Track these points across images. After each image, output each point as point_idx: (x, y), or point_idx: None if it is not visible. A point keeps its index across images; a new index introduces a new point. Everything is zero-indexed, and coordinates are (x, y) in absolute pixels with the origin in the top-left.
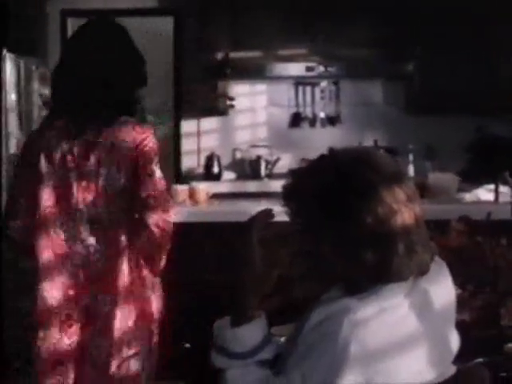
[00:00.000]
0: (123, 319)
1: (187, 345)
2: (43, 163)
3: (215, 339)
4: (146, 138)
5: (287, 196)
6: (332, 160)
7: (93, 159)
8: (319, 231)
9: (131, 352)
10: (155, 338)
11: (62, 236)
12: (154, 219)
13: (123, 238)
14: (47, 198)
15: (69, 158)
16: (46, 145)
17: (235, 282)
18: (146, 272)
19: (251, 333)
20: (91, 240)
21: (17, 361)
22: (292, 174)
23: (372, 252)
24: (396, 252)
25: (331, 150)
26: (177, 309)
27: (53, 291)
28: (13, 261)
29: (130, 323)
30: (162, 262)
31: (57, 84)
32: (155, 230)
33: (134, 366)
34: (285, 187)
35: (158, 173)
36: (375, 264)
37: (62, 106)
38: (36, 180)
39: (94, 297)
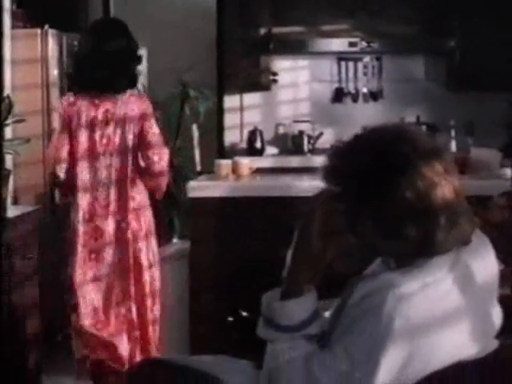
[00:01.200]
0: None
1: (244, 313)
2: (76, 125)
3: (263, 311)
4: (146, 105)
5: (327, 177)
6: (367, 138)
7: (111, 124)
8: (360, 210)
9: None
10: None
11: (90, 175)
12: (154, 152)
13: (129, 169)
14: (80, 151)
15: (94, 122)
16: (77, 111)
17: (291, 256)
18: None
19: (300, 307)
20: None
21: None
22: (329, 155)
23: (414, 227)
24: (438, 225)
25: (365, 129)
26: (229, 279)
27: (86, 203)
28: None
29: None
30: (162, 187)
31: (81, 65)
32: (155, 158)
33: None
34: (323, 169)
35: (154, 126)
36: (418, 239)
37: (88, 82)
38: (72, 137)
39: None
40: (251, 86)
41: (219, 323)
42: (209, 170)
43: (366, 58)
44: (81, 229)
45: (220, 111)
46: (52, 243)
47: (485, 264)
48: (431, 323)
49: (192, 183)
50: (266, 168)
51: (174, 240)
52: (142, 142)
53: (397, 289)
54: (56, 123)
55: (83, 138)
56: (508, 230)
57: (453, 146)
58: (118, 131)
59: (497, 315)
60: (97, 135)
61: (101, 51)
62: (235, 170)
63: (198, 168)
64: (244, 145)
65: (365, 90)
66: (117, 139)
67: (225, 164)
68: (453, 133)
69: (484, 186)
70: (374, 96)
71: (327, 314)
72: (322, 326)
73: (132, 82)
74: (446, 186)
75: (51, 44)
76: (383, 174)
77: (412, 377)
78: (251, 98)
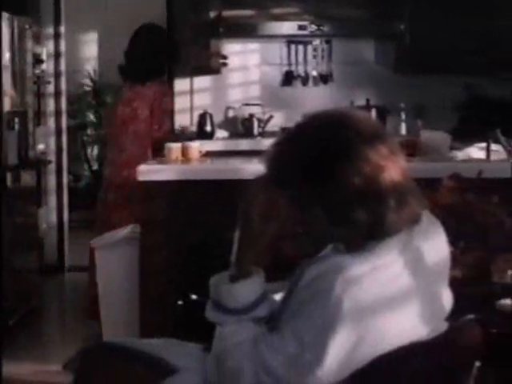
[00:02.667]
0: None
1: (194, 296)
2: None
3: (212, 294)
4: (159, 91)
5: (272, 168)
6: (310, 126)
7: (134, 105)
8: (308, 197)
9: None
10: None
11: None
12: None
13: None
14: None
15: (124, 105)
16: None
17: (234, 237)
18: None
19: (248, 289)
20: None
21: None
22: (273, 145)
23: (363, 211)
24: (387, 207)
25: (307, 116)
26: (179, 263)
27: None
28: None
29: None
30: None
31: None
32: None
33: None
34: (268, 160)
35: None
36: (368, 222)
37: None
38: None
39: None
40: (201, 69)
41: (169, 307)
42: (159, 154)
43: (316, 41)
44: None
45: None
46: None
47: (435, 246)
48: (380, 306)
49: (142, 167)
50: (216, 151)
51: None
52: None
53: (346, 271)
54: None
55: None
56: (457, 212)
57: (402, 128)
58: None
59: (447, 297)
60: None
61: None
62: (185, 153)
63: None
64: (194, 128)
65: (314, 73)
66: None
67: (175, 147)
68: (402, 116)
69: (433, 168)
70: (324, 79)
71: (277, 296)
72: (271, 308)
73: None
74: (392, 169)
75: (3, 27)
76: (328, 161)
77: (361, 359)
78: (201, 82)
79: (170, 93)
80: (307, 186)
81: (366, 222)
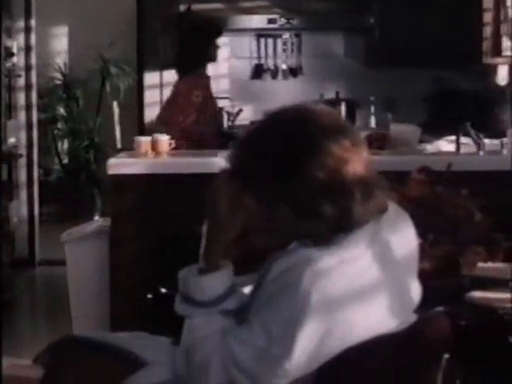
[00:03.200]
0: None
1: (163, 290)
2: None
3: (181, 287)
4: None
5: (236, 164)
6: (272, 122)
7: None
8: (273, 193)
9: None
10: None
11: None
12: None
13: None
14: None
15: None
16: None
17: (203, 231)
18: None
19: (216, 282)
20: None
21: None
22: (235, 145)
23: (329, 204)
24: (353, 200)
25: (269, 113)
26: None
27: None
28: None
29: None
30: None
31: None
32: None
33: None
34: (232, 156)
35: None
36: (335, 216)
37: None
38: None
39: None
40: (171, 62)
41: (139, 300)
42: (129, 147)
43: (286, 35)
44: None
45: (140, 88)
46: None
47: (404, 239)
48: (349, 299)
49: (112, 160)
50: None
51: (96, 217)
52: None
53: (314, 264)
54: None
55: None
56: (426, 205)
57: (372, 122)
58: None
59: (416, 290)
60: None
61: None
62: (155, 146)
63: (119, 145)
64: None
65: (284, 66)
66: None
67: (144, 141)
68: (372, 109)
69: (403, 161)
70: (294, 72)
71: (246, 289)
72: (240, 301)
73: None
74: (356, 161)
75: None
76: (291, 156)
77: (329, 351)
78: (171, 75)
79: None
80: (271, 181)
81: (333, 216)
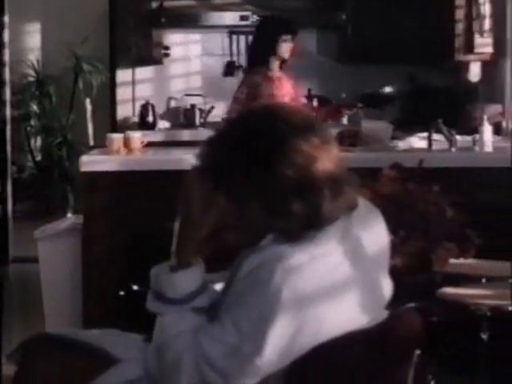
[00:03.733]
0: None
1: (135, 287)
2: None
3: (152, 284)
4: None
5: (207, 164)
6: (241, 122)
7: None
8: (244, 191)
9: None
10: None
11: None
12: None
13: None
14: None
15: None
16: None
17: (174, 228)
18: None
19: (188, 279)
20: None
21: None
22: (206, 143)
23: (300, 202)
24: (323, 197)
25: (239, 112)
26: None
27: None
28: None
29: None
30: None
31: None
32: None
33: None
34: (202, 158)
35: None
36: (305, 213)
37: None
38: None
39: None
40: (143, 59)
41: (111, 298)
42: (101, 145)
43: None
44: None
45: (112, 85)
46: None
47: (375, 235)
48: (320, 295)
49: (84, 157)
50: (158, 142)
51: (69, 215)
52: None
53: (285, 261)
54: None
55: None
56: (398, 202)
57: (344, 118)
58: None
59: (387, 286)
60: None
61: None
62: (127, 144)
63: (91, 142)
64: (136, 119)
65: None
66: None
67: (117, 138)
68: None
69: (375, 158)
70: None
71: (218, 286)
72: (211, 298)
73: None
74: (325, 158)
75: None
76: (260, 154)
77: (301, 348)
78: (143, 72)
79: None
80: (242, 179)
81: (303, 213)
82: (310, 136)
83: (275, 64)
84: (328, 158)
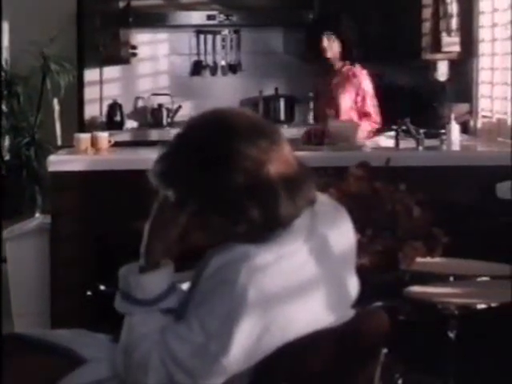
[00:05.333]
0: None
1: (103, 287)
2: None
3: (121, 284)
4: None
5: (162, 182)
6: (187, 135)
7: None
8: (200, 203)
9: None
10: None
11: None
12: None
13: None
14: None
15: None
16: None
17: (144, 228)
18: None
19: (156, 281)
20: None
21: None
22: (158, 160)
23: (256, 206)
24: (279, 198)
25: (186, 124)
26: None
27: None
28: None
29: None
30: None
31: None
32: None
33: None
34: (155, 175)
35: None
36: (263, 216)
37: None
38: None
39: None
40: (111, 59)
41: (79, 298)
42: (69, 144)
43: (225, 31)
44: None
45: (80, 85)
46: None
47: (341, 234)
48: (286, 294)
49: (52, 157)
50: (125, 141)
51: (36, 215)
52: None
53: (251, 260)
54: None
55: None
56: (364, 200)
57: (311, 117)
58: None
59: (353, 285)
60: None
61: None
62: (94, 143)
63: (59, 142)
64: (104, 118)
65: (223, 62)
66: None
67: (84, 138)
68: (311, 105)
69: (342, 157)
70: (233, 69)
71: (185, 286)
72: (179, 299)
73: None
74: (275, 160)
75: None
76: (211, 164)
77: (267, 347)
78: (111, 72)
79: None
80: (195, 192)
81: (262, 216)
82: (257, 139)
83: None
84: (279, 159)
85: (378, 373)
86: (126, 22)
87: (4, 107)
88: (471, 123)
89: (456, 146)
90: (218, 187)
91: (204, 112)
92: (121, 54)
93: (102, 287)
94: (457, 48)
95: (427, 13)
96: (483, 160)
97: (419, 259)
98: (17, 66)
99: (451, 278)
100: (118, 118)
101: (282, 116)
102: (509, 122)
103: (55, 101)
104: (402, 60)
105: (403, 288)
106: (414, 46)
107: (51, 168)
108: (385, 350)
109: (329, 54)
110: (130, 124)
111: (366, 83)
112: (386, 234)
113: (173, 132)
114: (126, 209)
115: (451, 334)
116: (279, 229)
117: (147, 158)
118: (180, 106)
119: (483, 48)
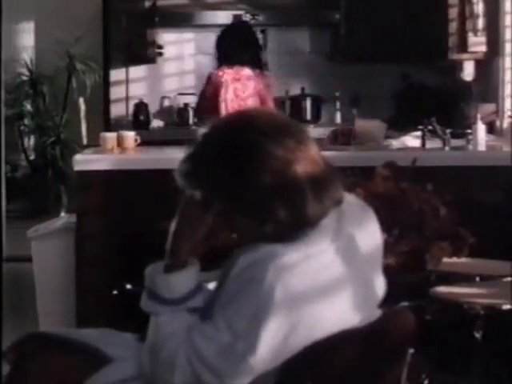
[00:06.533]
0: None
1: (129, 286)
2: None
3: (147, 284)
4: None
5: (188, 182)
6: (214, 135)
7: None
8: (228, 205)
9: None
10: None
11: None
12: None
13: None
14: None
15: None
16: None
17: (172, 229)
18: None
19: (183, 280)
20: None
21: None
22: (184, 160)
23: (283, 206)
24: (306, 198)
25: (211, 126)
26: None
27: None
28: None
29: None
30: None
31: None
32: None
33: None
34: (181, 174)
35: None
36: (291, 215)
37: None
38: None
39: None
40: (137, 58)
41: (105, 297)
42: (95, 144)
43: None
44: None
45: (106, 84)
46: None
47: (368, 234)
48: (313, 294)
49: (78, 157)
50: (151, 141)
51: (62, 214)
52: None
53: (279, 260)
54: None
55: None
56: (391, 200)
57: (337, 117)
58: None
59: (380, 285)
60: None
61: None
62: (121, 143)
63: (85, 141)
64: (130, 118)
65: None
66: None
67: (110, 137)
68: (338, 104)
69: (368, 157)
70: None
71: (211, 285)
72: (206, 298)
73: None
74: (302, 159)
75: None
76: (238, 165)
77: (294, 347)
78: (137, 71)
79: None
80: (222, 194)
81: (289, 216)
82: (284, 139)
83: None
84: (306, 159)
85: (404, 373)
86: (152, 21)
87: (29, 107)
88: (497, 123)
89: (482, 146)
90: (244, 187)
91: (229, 114)
92: (147, 54)
93: (128, 286)
94: (483, 48)
95: (453, 13)
96: (509, 160)
97: (445, 259)
98: (42, 65)
99: (477, 279)
100: (143, 117)
101: (309, 116)
102: None
103: (81, 100)
104: (428, 60)
105: (429, 288)
106: (440, 46)
107: (77, 167)
108: (411, 350)
109: None
110: (156, 123)
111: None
112: (413, 234)
113: (199, 131)
114: (151, 208)
115: (477, 335)
116: (306, 228)
117: (173, 157)
118: None
119: (509, 48)
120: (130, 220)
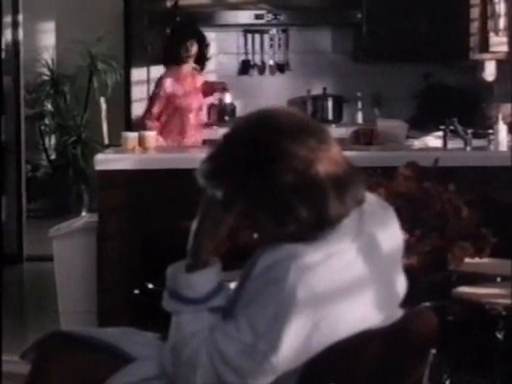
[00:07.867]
0: None
1: (150, 286)
2: None
3: (168, 283)
4: None
5: (209, 182)
6: (234, 136)
7: None
8: (250, 205)
9: None
10: None
11: None
12: None
13: None
14: None
15: None
16: None
17: (194, 229)
18: None
19: (205, 279)
20: None
21: None
22: (206, 159)
23: (305, 206)
24: (328, 197)
25: (232, 126)
26: (136, 252)
27: None
28: None
29: None
30: None
31: None
32: None
33: None
34: (203, 174)
35: None
36: (313, 215)
37: None
38: None
39: None
40: (158, 58)
41: (126, 296)
42: (116, 143)
43: (273, 31)
44: None
45: (127, 84)
46: None
47: (389, 234)
48: (335, 293)
49: (99, 156)
50: None
51: (83, 213)
52: None
53: (300, 259)
54: None
55: None
56: (413, 200)
57: (359, 117)
58: None
59: (401, 284)
60: None
61: None
62: (142, 142)
63: (106, 141)
64: None
65: (271, 62)
66: None
67: (132, 137)
68: (360, 104)
69: (390, 157)
70: (281, 68)
71: (232, 285)
72: (227, 297)
73: None
74: (324, 159)
75: None
76: (259, 165)
77: (316, 346)
78: (158, 71)
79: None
80: (245, 195)
81: (311, 216)
82: (306, 139)
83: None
84: (328, 158)
85: (426, 373)
86: (173, 21)
87: (50, 106)
88: None
89: (503, 147)
90: (266, 187)
91: (252, 111)
92: None
93: (150, 286)
94: (504, 48)
95: (475, 12)
96: None
97: (467, 259)
98: (63, 65)
99: (498, 279)
100: None
101: (330, 116)
102: None
103: (102, 100)
104: (449, 60)
105: (451, 288)
106: (461, 45)
107: (98, 167)
108: (433, 351)
109: None
110: None
111: None
112: (435, 235)
113: (220, 131)
114: (172, 208)
115: (499, 335)
116: (328, 228)
117: (195, 156)
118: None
119: None
120: (151, 219)
